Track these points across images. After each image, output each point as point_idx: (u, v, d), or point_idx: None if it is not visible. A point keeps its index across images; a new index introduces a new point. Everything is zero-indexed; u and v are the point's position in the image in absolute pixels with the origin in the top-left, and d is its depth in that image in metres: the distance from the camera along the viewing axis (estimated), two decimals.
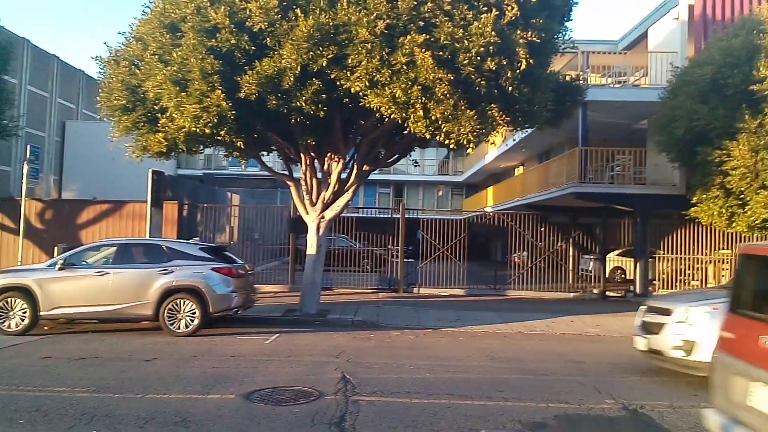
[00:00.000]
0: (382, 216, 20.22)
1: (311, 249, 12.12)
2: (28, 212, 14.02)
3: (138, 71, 11.33)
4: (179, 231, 14.98)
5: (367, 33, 9.22)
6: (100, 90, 12.69)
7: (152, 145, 11.73)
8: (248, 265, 11.27)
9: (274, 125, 11.70)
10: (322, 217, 12.29)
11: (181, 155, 16.20)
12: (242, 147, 12.38)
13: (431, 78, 9.19)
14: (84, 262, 9.85)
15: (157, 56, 10.65)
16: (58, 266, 9.59)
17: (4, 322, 9.38)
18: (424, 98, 9.43)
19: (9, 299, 9.40)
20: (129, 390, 6.11)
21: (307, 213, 12.50)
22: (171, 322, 9.52)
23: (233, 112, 10.02)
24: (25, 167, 13.80)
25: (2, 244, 15.47)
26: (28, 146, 14.20)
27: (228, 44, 9.80)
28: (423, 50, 9.16)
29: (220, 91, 9.89)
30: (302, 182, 12.86)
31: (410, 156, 14.32)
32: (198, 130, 10.44)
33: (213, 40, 9.82)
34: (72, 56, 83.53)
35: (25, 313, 9.38)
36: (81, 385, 6.23)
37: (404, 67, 9.31)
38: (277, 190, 35.96)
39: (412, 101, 9.48)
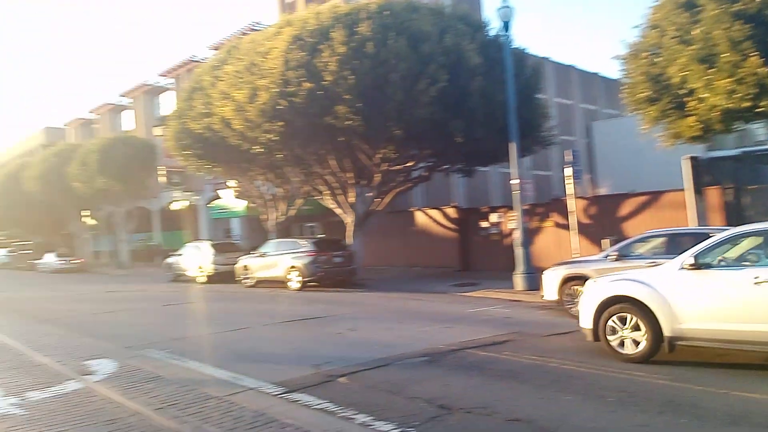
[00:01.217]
0: None
1: None
2: (574, 210, 15.79)
3: (659, 59, 11.25)
4: (726, 218, 13.97)
5: None
6: (621, 87, 13.18)
7: (684, 130, 11.42)
8: None
9: None
10: None
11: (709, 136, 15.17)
12: None
13: None
14: (633, 254, 10.41)
15: (676, 39, 10.35)
16: (611, 258, 10.47)
17: (571, 308, 10.88)
18: None
19: (573, 287, 10.85)
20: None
21: None
22: None
23: None
24: (568, 170, 15.60)
25: (558, 238, 18.04)
26: (569, 151, 16.02)
27: (756, 3, 8.70)
28: None
29: (755, 58, 8.83)
30: None
31: None
32: (733, 106, 9.59)
33: (738, 4, 8.89)
34: (587, 62, 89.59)
35: None
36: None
37: None
38: None
39: None
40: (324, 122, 16.49)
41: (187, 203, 33.97)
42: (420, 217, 23.16)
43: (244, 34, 25.26)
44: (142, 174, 33.16)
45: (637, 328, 6.86)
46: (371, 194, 19.79)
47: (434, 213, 22.75)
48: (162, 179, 32.41)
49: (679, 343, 6.66)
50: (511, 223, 19.12)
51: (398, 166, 19.07)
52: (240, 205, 28.10)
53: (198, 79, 21.08)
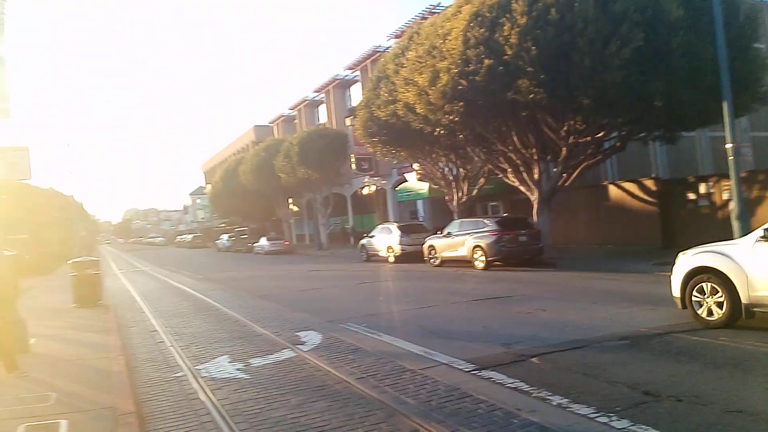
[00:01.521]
0: None
1: None
2: None
3: None
4: None
5: None
6: None
7: None
8: None
9: None
10: None
11: None
12: None
13: None
14: None
15: None
16: None
17: None
18: None
19: None
20: None
21: None
22: None
23: None
24: None
25: None
26: None
27: None
28: None
29: None
30: None
31: None
32: None
33: None
34: None
35: None
36: None
37: None
38: None
39: None
40: (505, 98, 16.08)
41: (375, 187, 35.71)
42: (613, 192, 21.53)
43: (423, 18, 25.64)
44: (336, 162, 35.65)
45: (718, 296, 7.43)
46: (557, 169, 18.89)
47: (630, 186, 20.97)
48: (353, 166, 34.50)
49: (756, 309, 7.13)
50: (726, 193, 16.88)
51: (587, 138, 17.89)
52: (424, 187, 28.79)
53: (382, 69, 21.95)
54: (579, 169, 18.86)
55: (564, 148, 17.99)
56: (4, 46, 8.23)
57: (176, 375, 7.09)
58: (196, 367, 7.31)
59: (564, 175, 18.91)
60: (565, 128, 17.47)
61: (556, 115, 17.15)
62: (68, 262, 15.55)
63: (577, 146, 18.07)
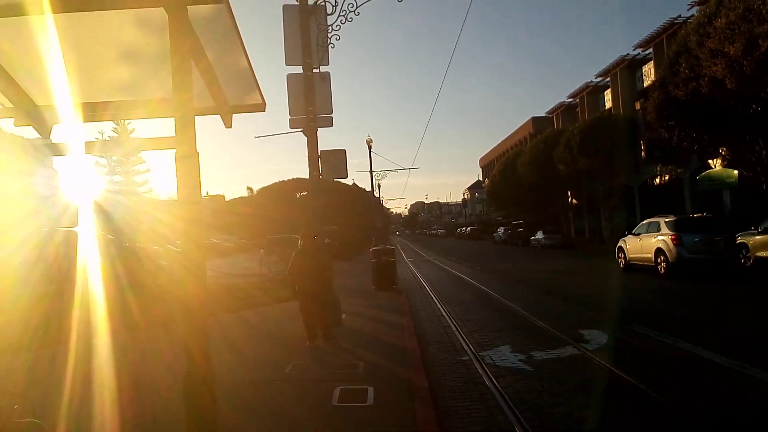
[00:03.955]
0: None
1: None
2: None
3: None
4: None
5: None
6: None
7: None
8: None
9: None
10: None
11: None
12: None
13: None
14: None
15: None
16: None
17: None
18: None
19: None
20: None
21: None
22: None
23: None
24: None
25: None
26: None
27: None
28: None
29: None
30: None
31: None
32: None
33: None
34: None
35: None
36: None
37: None
38: None
39: None
40: None
41: (668, 177, 32.01)
42: None
43: None
44: (622, 151, 33.02)
45: None
46: None
47: None
48: (643, 154, 31.49)
49: None
50: None
51: None
52: (732, 175, 24.70)
53: (682, 42, 19.45)
54: None
55: None
56: (328, 66, 9.65)
57: (462, 358, 7.42)
58: (480, 353, 7.53)
59: None
60: None
61: None
62: (370, 249, 17.59)
63: None
